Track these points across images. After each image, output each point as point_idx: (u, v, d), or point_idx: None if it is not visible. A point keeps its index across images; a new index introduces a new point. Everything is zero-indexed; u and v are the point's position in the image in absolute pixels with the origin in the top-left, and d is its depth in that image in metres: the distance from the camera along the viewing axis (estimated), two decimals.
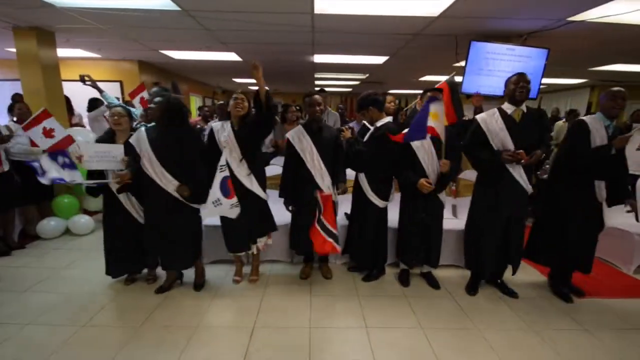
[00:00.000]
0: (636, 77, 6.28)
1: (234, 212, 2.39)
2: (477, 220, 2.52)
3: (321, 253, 2.64)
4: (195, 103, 9.71)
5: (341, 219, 2.88)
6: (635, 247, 2.97)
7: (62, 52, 4.18)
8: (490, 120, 2.34)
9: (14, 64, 5.59)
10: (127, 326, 2.15)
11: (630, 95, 2.43)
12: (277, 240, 2.83)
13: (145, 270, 2.72)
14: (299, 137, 2.58)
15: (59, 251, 3.32)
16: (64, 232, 3.70)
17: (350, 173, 2.73)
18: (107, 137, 2.46)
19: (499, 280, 2.64)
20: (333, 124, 4.32)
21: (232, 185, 2.36)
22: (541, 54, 3.59)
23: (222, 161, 2.32)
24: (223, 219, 2.58)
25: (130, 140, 2.32)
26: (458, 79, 3.60)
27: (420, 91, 3.11)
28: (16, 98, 3.99)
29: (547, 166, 4.27)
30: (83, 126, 5.76)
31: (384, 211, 2.62)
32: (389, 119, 2.64)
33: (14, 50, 4.79)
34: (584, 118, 2.37)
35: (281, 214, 2.92)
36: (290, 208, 2.65)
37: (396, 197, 2.69)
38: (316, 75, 7.53)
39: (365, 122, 2.75)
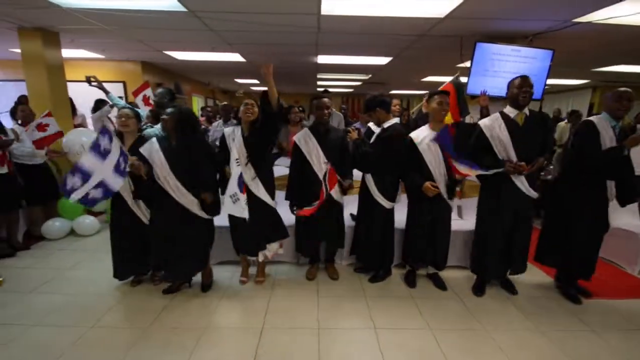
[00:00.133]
0: (638, 78, 6.29)
1: (246, 212, 2.38)
2: (481, 224, 2.54)
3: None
4: (197, 104, 9.72)
5: (347, 220, 2.88)
6: None
7: (65, 52, 4.18)
8: (493, 126, 2.33)
9: (17, 64, 5.60)
10: (135, 327, 2.15)
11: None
12: (283, 240, 2.81)
13: (151, 272, 2.71)
14: (305, 140, 2.59)
15: (64, 252, 3.32)
16: (69, 233, 3.70)
17: (357, 174, 2.74)
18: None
19: (503, 280, 2.65)
20: (337, 124, 4.34)
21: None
22: (546, 55, 3.59)
23: (236, 155, 2.33)
24: (232, 220, 2.59)
25: (141, 150, 2.30)
26: (463, 79, 3.61)
27: (422, 92, 3.13)
28: (22, 100, 4.00)
29: (551, 167, 4.28)
30: (86, 127, 5.78)
31: (390, 212, 2.62)
32: (396, 120, 2.64)
33: (17, 50, 4.81)
34: (591, 119, 2.35)
35: (287, 214, 2.93)
36: (295, 210, 2.64)
37: (403, 198, 2.69)
38: (318, 76, 7.53)
39: (370, 123, 2.76)
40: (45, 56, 3.78)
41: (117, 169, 2.19)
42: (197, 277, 2.65)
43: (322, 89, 5.74)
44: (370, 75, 7.32)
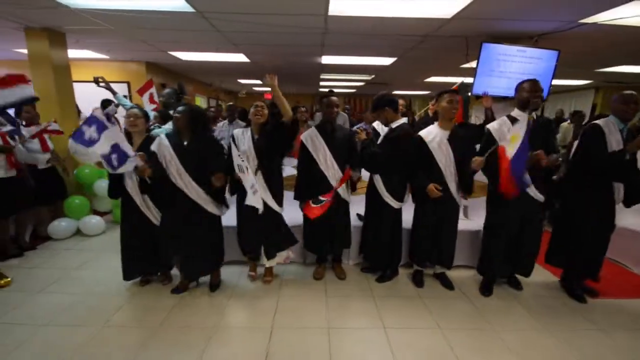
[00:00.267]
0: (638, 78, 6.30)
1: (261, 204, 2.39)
2: (489, 224, 2.55)
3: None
4: (200, 104, 9.72)
5: (354, 220, 2.89)
6: None
7: (70, 53, 4.19)
8: (502, 130, 2.33)
9: (21, 64, 5.62)
10: (145, 327, 2.15)
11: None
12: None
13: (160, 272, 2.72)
14: (312, 139, 2.60)
15: (70, 252, 3.33)
16: (75, 233, 3.71)
17: (364, 174, 2.75)
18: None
19: (510, 278, 2.68)
20: (342, 124, 4.35)
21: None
22: (552, 55, 3.61)
23: (240, 159, 2.34)
24: (240, 220, 2.60)
25: (152, 147, 2.32)
26: (469, 80, 3.63)
27: (424, 92, 3.13)
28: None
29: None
30: None
31: (399, 212, 2.63)
32: (404, 120, 2.64)
33: (22, 51, 4.83)
34: (598, 122, 2.37)
35: (294, 214, 2.94)
36: (302, 207, 2.64)
37: (410, 198, 2.70)
38: (322, 76, 7.54)
39: (375, 123, 2.77)
40: (52, 56, 3.79)
41: (108, 161, 2.25)
42: (206, 278, 2.66)
43: (327, 90, 5.77)
44: (373, 76, 7.33)
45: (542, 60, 3.64)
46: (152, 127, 2.97)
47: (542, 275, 2.87)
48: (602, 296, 2.57)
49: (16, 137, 3.11)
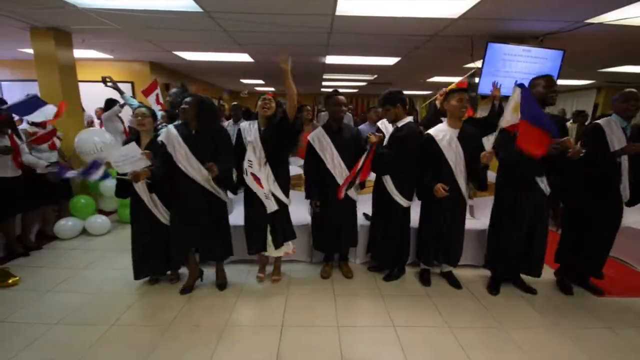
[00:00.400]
0: None
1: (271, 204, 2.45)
2: (498, 222, 2.55)
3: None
4: None
5: (360, 219, 2.90)
6: None
7: (75, 53, 4.18)
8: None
9: (25, 64, 5.64)
10: (156, 326, 2.16)
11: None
12: (295, 240, 2.81)
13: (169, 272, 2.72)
14: (318, 138, 2.61)
15: (77, 251, 3.33)
16: (81, 233, 3.71)
17: (371, 174, 2.76)
18: (133, 139, 2.49)
19: (516, 279, 2.66)
20: (347, 123, 4.36)
21: (257, 179, 2.42)
22: (557, 55, 3.61)
23: (250, 157, 2.37)
24: (247, 219, 2.61)
25: (160, 138, 2.34)
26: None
27: (426, 92, 3.11)
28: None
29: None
30: (92, 126, 5.79)
31: (407, 210, 2.63)
32: (410, 118, 2.64)
33: (26, 51, 4.83)
34: (599, 122, 2.39)
35: (299, 214, 2.96)
36: (316, 205, 2.64)
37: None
38: (324, 76, 7.55)
39: (380, 122, 2.75)
40: (58, 56, 3.79)
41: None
42: (211, 277, 2.67)
43: (328, 90, 5.76)
44: (376, 76, 7.34)
45: (547, 60, 3.64)
46: (159, 126, 2.98)
47: (546, 272, 2.86)
48: (608, 294, 2.58)
49: (22, 136, 3.12)
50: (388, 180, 2.58)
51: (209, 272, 2.70)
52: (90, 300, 2.45)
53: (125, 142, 2.48)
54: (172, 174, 2.33)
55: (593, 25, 3.20)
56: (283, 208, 2.55)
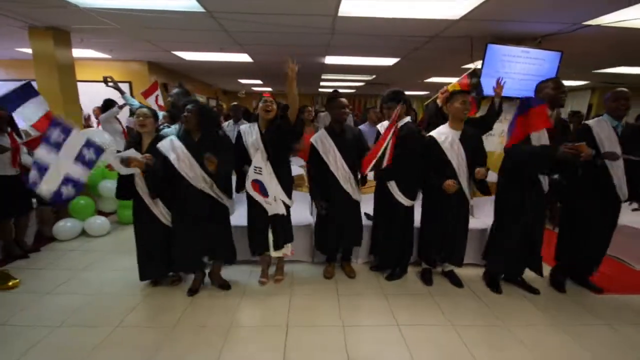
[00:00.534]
0: (637, 79, 6.41)
1: (275, 208, 2.46)
2: (501, 222, 2.57)
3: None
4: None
5: (362, 219, 2.90)
6: None
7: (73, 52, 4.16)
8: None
9: (21, 64, 5.58)
10: (160, 327, 2.15)
11: (632, 96, 2.47)
12: (297, 240, 2.83)
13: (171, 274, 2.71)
14: (321, 141, 2.61)
15: (76, 253, 3.30)
16: (80, 234, 3.68)
17: (371, 174, 2.77)
18: (134, 141, 2.48)
19: (519, 278, 2.69)
20: (348, 123, 4.37)
21: (257, 187, 2.41)
22: (555, 56, 3.66)
23: (257, 163, 2.35)
24: (250, 221, 2.61)
25: (162, 150, 2.29)
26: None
27: (423, 92, 3.12)
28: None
29: None
30: (90, 126, 5.75)
31: (410, 210, 2.64)
32: (408, 118, 2.65)
33: (24, 50, 4.78)
34: (588, 122, 2.43)
35: (301, 214, 2.96)
36: (323, 206, 2.64)
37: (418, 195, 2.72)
38: (323, 77, 7.56)
39: (379, 125, 2.75)
40: (57, 56, 3.76)
41: (81, 158, 2.26)
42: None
43: (326, 90, 5.78)
44: (374, 76, 7.37)
45: (545, 61, 3.69)
46: (161, 127, 2.97)
47: (545, 271, 2.91)
48: (606, 292, 2.62)
49: (23, 135, 3.09)
50: (391, 182, 2.59)
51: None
52: (91, 302, 2.43)
53: (127, 145, 2.47)
54: (172, 179, 2.31)
55: (591, 27, 3.24)
56: (285, 209, 2.56)
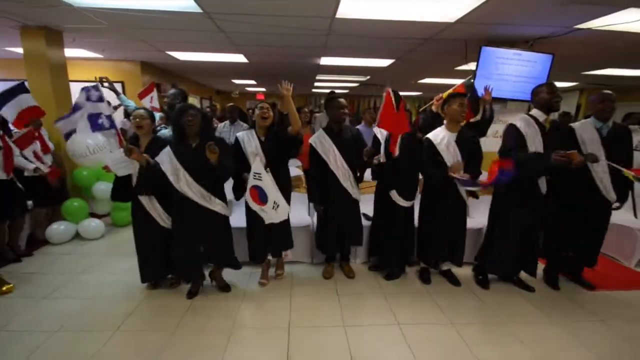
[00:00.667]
0: (624, 81, 6.60)
1: (271, 216, 2.43)
2: (501, 219, 2.59)
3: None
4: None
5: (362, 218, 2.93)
6: (637, 242, 3.13)
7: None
8: (527, 125, 2.38)
9: (9, 64, 5.44)
10: (161, 330, 2.13)
11: (619, 97, 2.55)
12: (296, 241, 2.82)
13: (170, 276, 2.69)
14: (320, 141, 2.62)
15: (71, 256, 3.25)
16: (74, 237, 3.62)
17: (368, 175, 2.79)
18: (131, 142, 2.45)
19: (515, 278, 2.75)
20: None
21: (256, 194, 2.40)
22: (546, 59, 3.75)
23: (257, 169, 2.35)
24: (249, 226, 2.61)
25: (161, 164, 2.26)
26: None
27: (416, 93, 3.16)
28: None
29: None
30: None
31: (410, 211, 2.68)
32: None
33: (14, 49, 4.67)
34: (573, 125, 2.49)
35: (299, 215, 2.97)
36: (321, 209, 2.66)
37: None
38: (317, 77, 7.57)
39: (374, 128, 2.79)
40: (49, 55, 3.68)
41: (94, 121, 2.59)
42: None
43: (318, 91, 5.77)
44: (368, 77, 7.41)
45: (537, 63, 3.77)
46: (158, 127, 2.94)
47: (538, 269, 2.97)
48: (599, 288, 2.69)
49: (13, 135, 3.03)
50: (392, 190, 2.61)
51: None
52: (89, 306, 2.40)
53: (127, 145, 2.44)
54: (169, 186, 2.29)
55: (582, 31, 3.33)
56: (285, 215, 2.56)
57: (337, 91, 11.53)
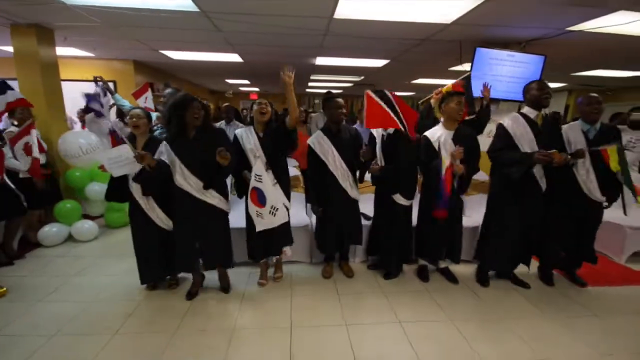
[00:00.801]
0: (613, 82, 6.77)
1: (266, 222, 2.42)
2: (497, 217, 2.63)
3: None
4: None
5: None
6: (626, 238, 3.23)
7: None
8: (515, 125, 2.43)
9: (0, 62, 5.30)
10: (161, 332, 2.11)
11: (607, 98, 2.62)
12: (294, 241, 2.81)
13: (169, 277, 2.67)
14: (319, 142, 2.63)
15: (65, 259, 3.19)
16: (66, 239, 3.55)
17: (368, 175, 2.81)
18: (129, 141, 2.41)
19: (511, 275, 2.80)
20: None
21: (255, 195, 2.39)
22: (539, 60, 3.82)
23: (258, 171, 2.34)
24: (248, 225, 2.60)
25: (159, 156, 2.25)
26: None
27: (409, 93, 3.18)
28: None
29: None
30: (71, 127, 5.53)
31: (409, 209, 2.70)
32: None
33: (3, 48, 4.57)
34: (563, 126, 2.55)
35: (298, 215, 2.98)
36: (318, 211, 2.68)
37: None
38: (312, 77, 7.57)
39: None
40: (40, 54, 3.60)
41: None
42: (215, 281, 2.64)
43: (313, 91, 5.76)
44: (362, 77, 7.44)
45: (529, 64, 3.85)
46: (155, 127, 2.91)
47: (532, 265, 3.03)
48: (591, 284, 2.76)
49: (5, 136, 2.95)
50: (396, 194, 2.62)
51: (212, 274, 2.63)
52: (86, 308, 2.36)
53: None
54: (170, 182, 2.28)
55: (573, 33, 3.41)
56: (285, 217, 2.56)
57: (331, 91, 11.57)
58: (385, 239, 2.74)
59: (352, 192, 2.68)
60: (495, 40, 3.78)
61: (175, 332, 2.11)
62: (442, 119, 2.62)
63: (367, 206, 2.92)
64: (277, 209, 2.36)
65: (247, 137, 2.48)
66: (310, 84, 8.82)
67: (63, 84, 4.21)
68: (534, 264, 2.82)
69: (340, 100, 2.63)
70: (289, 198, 2.61)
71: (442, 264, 2.87)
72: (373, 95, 2.44)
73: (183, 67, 6.38)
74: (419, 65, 5.48)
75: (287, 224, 2.62)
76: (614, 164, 2.33)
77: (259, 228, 2.42)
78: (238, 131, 2.56)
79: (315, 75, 7.24)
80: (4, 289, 2.53)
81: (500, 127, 2.47)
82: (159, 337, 2.07)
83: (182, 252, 2.39)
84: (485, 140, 4.16)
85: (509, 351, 2.00)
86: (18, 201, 2.95)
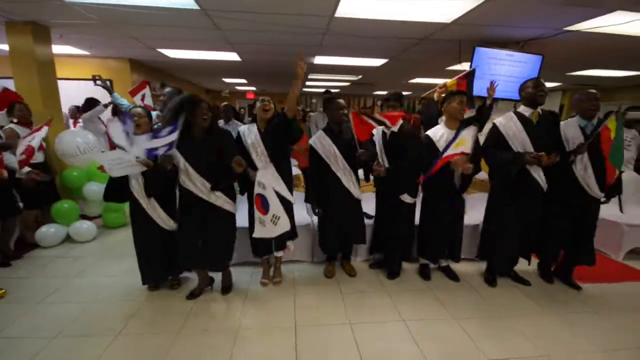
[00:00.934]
0: (608, 82, 6.86)
1: (265, 231, 2.40)
2: (496, 217, 2.64)
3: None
4: None
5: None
6: (623, 236, 3.27)
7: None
8: (508, 124, 2.46)
9: None
10: (164, 332, 2.10)
11: (603, 97, 2.64)
12: (296, 240, 2.81)
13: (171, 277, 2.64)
14: (321, 142, 2.62)
15: (63, 259, 3.15)
16: (64, 240, 3.50)
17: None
18: None
19: (511, 272, 2.82)
20: None
21: (260, 201, 2.37)
22: (536, 59, 3.85)
23: (261, 178, 2.34)
24: (252, 222, 2.58)
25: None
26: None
27: (406, 93, 3.19)
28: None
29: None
30: (67, 126, 5.46)
31: (412, 207, 2.71)
32: (401, 120, 2.71)
33: None
34: (561, 122, 2.56)
35: (299, 214, 2.96)
36: (317, 211, 2.68)
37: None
38: (310, 76, 7.56)
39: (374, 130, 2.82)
40: (36, 52, 3.54)
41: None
42: (217, 281, 2.62)
43: (310, 90, 5.74)
44: (360, 76, 7.45)
45: (527, 64, 3.88)
46: (155, 126, 2.87)
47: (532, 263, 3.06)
48: (590, 282, 2.79)
49: (2, 135, 2.91)
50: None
51: (218, 275, 2.62)
52: (87, 309, 2.33)
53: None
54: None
55: (571, 33, 3.44)
56: (288, 207, 2.55)
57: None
58: (389, 237, 2.75)
59: (355, 192, 2.67)
60: (494, 39, 3.80)
61: (179, 332, 2.10)
62: (443, 118, 2.63)
63: (368, 205, 2.92)
64: (279, 217, 2.35)
65: (249, 132, 2.48)
66: (308, 83, 8.80)
67: (58, 82, 4.16)
68: (534, 261, 2.85)
69: (341, 101, 2.62)
70: (292, 191, 2.60)
71: (443, 263, 2.89)
72: (357, 114, 2.54)
73: (180, 65, 6.32)
74: (417, 64, 5.50)
75: (292, 218, 2.61)
76: (613, 134, 2.36)
77: (257, 235, 2.41)
78: (241, 128, 2.56)
79: (313, 74, 7.23)
80: (3, 290, 2.50)
81: (494, 126, 2.51)
82: (162, 337, 2.05)
83: (184, 250, 2.36)
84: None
85: (512, 348, 2.01)
86: (13, 201, 2.90)
